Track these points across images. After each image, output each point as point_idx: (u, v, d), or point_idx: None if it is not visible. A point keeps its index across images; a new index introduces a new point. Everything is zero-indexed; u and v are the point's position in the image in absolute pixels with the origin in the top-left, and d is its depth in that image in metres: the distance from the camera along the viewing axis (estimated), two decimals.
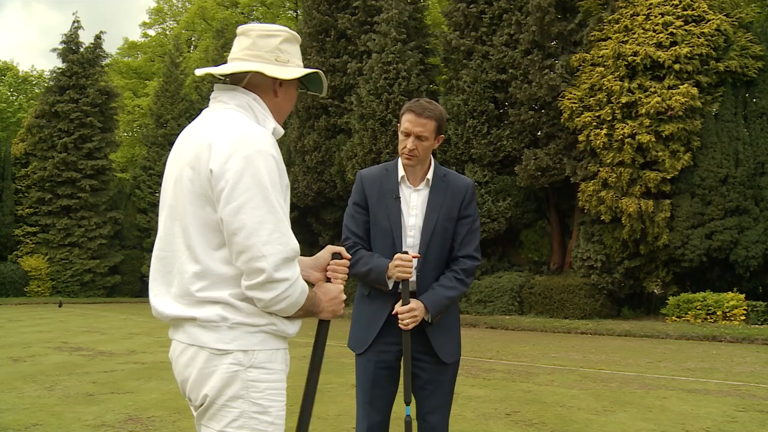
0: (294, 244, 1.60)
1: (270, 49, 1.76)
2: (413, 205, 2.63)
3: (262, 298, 1.57)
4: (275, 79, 1.77)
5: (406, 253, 2.52)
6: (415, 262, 2.54)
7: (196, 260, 1.61)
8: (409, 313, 2.49)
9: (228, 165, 1.56)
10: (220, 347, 1.59)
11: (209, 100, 1.81)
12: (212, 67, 1.79)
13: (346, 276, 1.90)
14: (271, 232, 1.55)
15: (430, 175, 2.65)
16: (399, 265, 2.50)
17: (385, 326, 2.58)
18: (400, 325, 2.50)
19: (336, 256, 1.91)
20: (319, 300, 1.75)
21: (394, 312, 2.53)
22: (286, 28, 1.82)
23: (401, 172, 2.65)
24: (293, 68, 1.79)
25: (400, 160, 2.66)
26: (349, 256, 1.96)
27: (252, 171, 1.56)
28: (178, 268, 1.64)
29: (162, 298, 1.68)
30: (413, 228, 2.61)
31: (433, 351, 2.59)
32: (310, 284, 1.78)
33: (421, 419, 2.62)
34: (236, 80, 1.78)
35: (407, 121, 2.56)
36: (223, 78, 1.81)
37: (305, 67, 1.84)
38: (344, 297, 1.83)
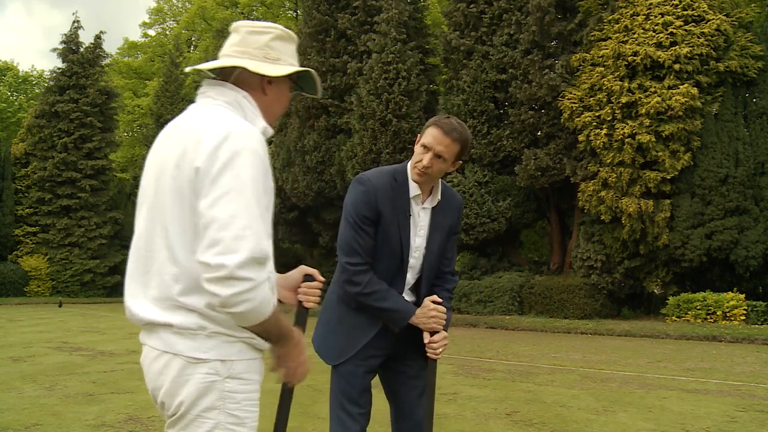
0: (265, 246, 1.50)
1: (259, 46, 1.70)
2: (421, 225, 2.51)
3: (219, 294, 1.44)
4: (263, 76, 1.70)
5: (438, 301, 2.46)
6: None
7: (174, 261, 1.54)
8: (443, 340, 2.44)
9: (212, 160, 1.50)
10: (196, 356, 1.52)
11: (197, 95, 1.74)
12: (200, 64, 1.73)
13: (318, 299, 1.83)
14: (243, 228, 1.46)
15: (439, 195, 2.53)
16: (436, 316, 2.42)
17: (372, 338, 2.49)
18: (431, 354, 2.43)
19: (308, 278, 1.82)
20: (289, 334, 1.64)
21: (427, 341, 2.43)
22: (280, 27, 1.76)
23: (415, 190, 2.47)
24: (283, 66, 1.71)
25: (410, 171, 2.50)
26: (322, 279, 1.84)
27: (234, 165, 1.50)
28: (158, 269, 1.57)
29: (138, 299, 1.61)
30: (417, 249, 2.51)
31: (423, 348, 2.52)
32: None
33: (406, 417, 2.56)
34: (225, 76, 1.71)
35: (431, 136, 2.40)
36: (211, 74, 1.75)
37: (306, 68, 1.77)
38: (307, 368, 1.72)
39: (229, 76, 1.71)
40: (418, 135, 2.49)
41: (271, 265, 1.60)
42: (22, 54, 69.39)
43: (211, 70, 1.75)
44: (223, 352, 1.54)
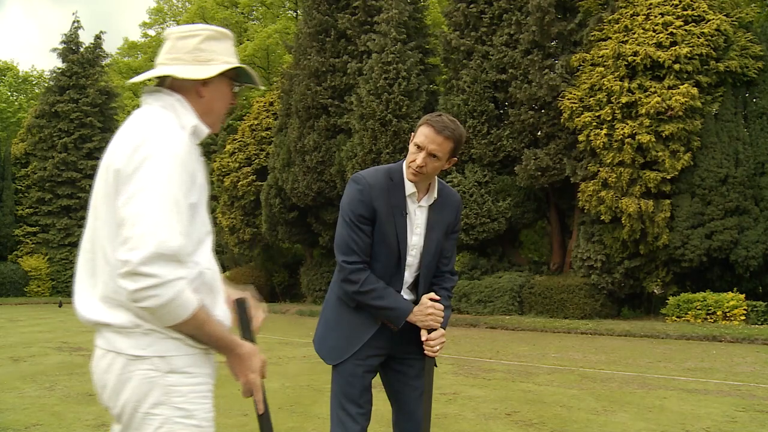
0: (175, 243, 1.50)
1: (189, 50, 1.73)
2: (418, 223, 2.51)
3: (126, 288, 1.48)
4: (195, 80, 1.73)
5: (436, 299, 2.48)
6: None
7: (107, 261, 1.59)
8: (441, 338, 2.46)
9: (129, 161, 1.55)
10: (135, 353, 1.56)
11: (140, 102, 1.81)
12: (136, 77, 1.82)
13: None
14: (149, 225, 1.49)
15: (436, 194, 2.53)
16: (433, 314, 2.44)
17: (371, 338, 2.50)
18: (428, 352, 2.46)
19: (240, 302, 1.80)
20: (231, 344, 1.66)
21: (424, 339, 2.45)
22: (211, 27, 1.79)
23: (411, 188, 2.48)
24: (213, 66, 1.73)
25: (405, 170, 2.50)
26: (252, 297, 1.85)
27: (147, 165, 1.54)
28: (100, 269, 1.63)
29: (84, 300, 1.65)
30: (414, 247, 2.51)
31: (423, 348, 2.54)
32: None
33: (407, 417, 2.57)
34: (162, 83, 1.77)
35: (423, 135, 2.39)
36: (156, 80, 1.81)
37: (236, 64, 1.79)
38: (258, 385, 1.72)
39: (165, 82, 1.76)
40: (412, 134, 2.49)
41: (194, 265, 1.60)
42: (22, 54, 69.44)
43: (146, 80, 1.81)
44: (161, 348, 1.57)
